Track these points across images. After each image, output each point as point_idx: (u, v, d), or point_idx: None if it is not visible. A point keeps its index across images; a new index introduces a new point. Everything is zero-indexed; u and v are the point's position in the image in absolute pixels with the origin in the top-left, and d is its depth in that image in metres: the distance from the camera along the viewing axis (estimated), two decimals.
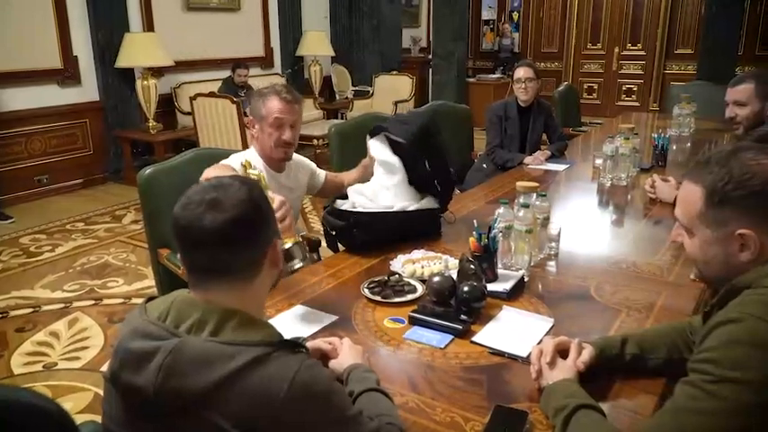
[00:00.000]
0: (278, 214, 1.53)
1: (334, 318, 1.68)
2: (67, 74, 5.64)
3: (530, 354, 1.38)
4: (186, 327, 0.99)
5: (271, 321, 1.66)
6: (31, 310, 3.47)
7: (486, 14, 9.96)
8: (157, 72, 6.03)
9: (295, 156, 2.41)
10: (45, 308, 3.50)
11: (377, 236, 2.15)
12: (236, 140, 5.23)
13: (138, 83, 5.83)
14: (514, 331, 1.60)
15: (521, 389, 1.35)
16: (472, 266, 1.72)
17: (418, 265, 1.96)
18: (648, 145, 3.71)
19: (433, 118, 2.50)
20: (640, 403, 1.29)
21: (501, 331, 1.60)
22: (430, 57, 8.78)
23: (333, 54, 7.97)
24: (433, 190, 2.32)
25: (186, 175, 2.19)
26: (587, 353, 1.34)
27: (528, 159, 3.52)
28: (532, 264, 2.01)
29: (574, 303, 1.77)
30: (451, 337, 1.57)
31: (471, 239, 1.85)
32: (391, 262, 2.03)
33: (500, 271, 1.89)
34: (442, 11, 7.87)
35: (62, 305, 3.51)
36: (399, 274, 1.91)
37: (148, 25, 6.15)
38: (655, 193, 2.73)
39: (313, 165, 2.60)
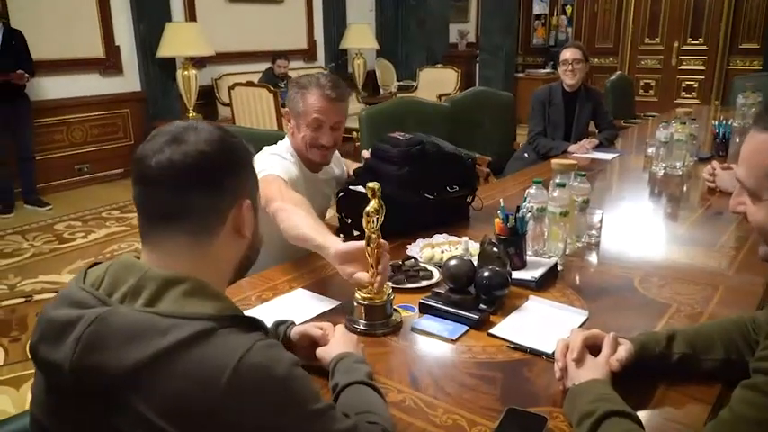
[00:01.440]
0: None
1: (335, 303, 1.49)
2: (109, 63, 5.66)
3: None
4: (120, 294, 0.82)
5: (267, 305, 1.51)
6: (54, 294, 3.41)
7: (538, 9, 9.61)
8: (199, 63, 6.00)
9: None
10: None
11: (395, 222, 1.93)
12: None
13: (179, 73, 5.80)
14: (540, 324, 1.38)
15: (542, 390, 1.13)
16: (495, 249, 1.51)
17: (437, 250, 1.75)
18: (708, 134, 3.39)
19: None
20: (689, 412, 1.06)
21: (524, 324, 1.38)
22: (477, 52, 8.52)
23: (377, 48, 7.81)
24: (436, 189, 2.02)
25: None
26: (624, 349, 1.10)
27: (573, 147, 3.25)
28: (568, 252, 1.77)
29: (614, 296, 1.54)
30: (466, 327, 1.36)
31: (497, 221, 1.63)
32: (409, 246, 1.83)
33: (529, 258, 1.67)
34: (491, 4, 7.61)
35: None
36: (415, 259, 1.70)
37: (191, 16, 6.14)
38: (714, 182, 2.44)
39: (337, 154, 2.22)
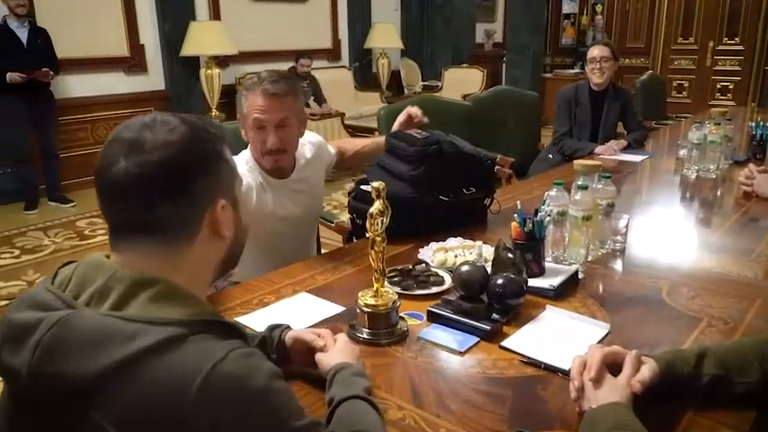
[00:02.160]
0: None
1: (340, 309, 1.41)
2: (134, 62, 5.67)
3: None
4: (87, 296, 0.75)
5: (268, 309, 1.43)
6: None
7: (567, 8, 9.42)
8: (222, 62, 5.99)
9: (307, 142, 1.95)
10: None
11: (408, 223, 1.83)
12: None
13: (203, 72, 5.80)
14: (558, 337, 1.27)
15: (556, 411, 1.03)
16: (510, 255, 1.41)
17: (450, 254, 1.66)
18: (745, 136, 3.23)
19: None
20: None
21: (540, 336, 1.28)
22: (504, 51, 8.38)
23: (402, 47, 7.72)
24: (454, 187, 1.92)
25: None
26: (648, 369, 1.00)
27: (599, 149, 3.12)
28: (590, 259, 1.66)
29: (639, 307, 1.42)
30: (476, 339, 1.26)
31: (513, 224, 1.53)
32: (421, 250, 1.74)
33: (548, 264, 1.56)
34: (519, 3, 7.47)
35: None
36: (426, 263, 1.61)
37: (215, 15, 6.12)
38: (752, 187, 2.29)
39: (322, 142, 2.07)
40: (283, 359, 1.12)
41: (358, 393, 0.96)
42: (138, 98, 5.73)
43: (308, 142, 1.97)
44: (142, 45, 5.69)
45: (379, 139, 2.16)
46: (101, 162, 0.77)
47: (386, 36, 7.39)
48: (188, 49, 5.65)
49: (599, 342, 1.23)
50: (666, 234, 2.02)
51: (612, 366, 1.02)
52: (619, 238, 1.77)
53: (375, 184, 1.24)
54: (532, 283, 1.46)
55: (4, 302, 3.18)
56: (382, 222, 1.24)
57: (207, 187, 0.81)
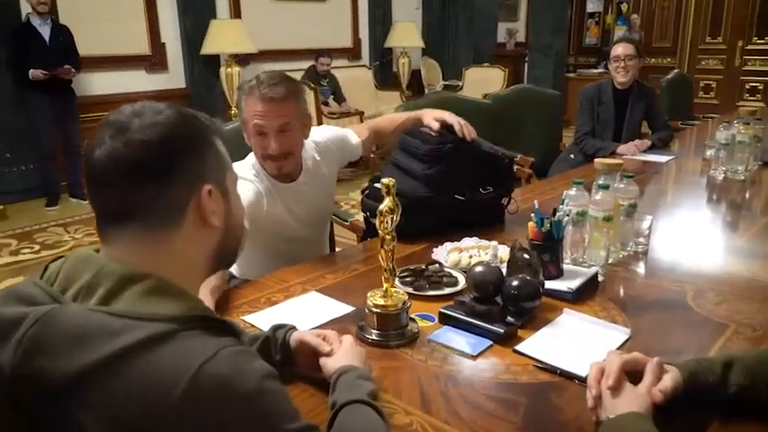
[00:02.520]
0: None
1: (349, 309, 1.37)
2: (155, 60, 5.70)
3: None
4: (74, 291, 0.72)
5: (275, 308, 1.40)
6: None
7: (592, 7, 9.30)
8: (243, 60, 6.00)
9: (314, 141, 1.87)
10: None
11: (421, 222, 1.79)
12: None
13: (223, 70, 5.80)
14: (575, 342, 1.22)
15: (572, 420, 0.98)
16: (526, 256, 1.36)
17: (465, 255, 1.61)
18: None
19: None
20: None
21: (556, 341, 1.22)
22: (526, 51, 8.28)
23: (423, 46, 7.67)
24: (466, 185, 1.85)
25: (230, 145, 1.97)
26: (671, 378, 0.94)
27: (622, 148, 3.04)
28: (611, 261, 1.60)
29: (662, 312, 1.36)
30: (489, 342, 1.21)
31: (530, 224, 1.48)
32: (435, 249, 1.69)
33: (566, 266, 1.51)
34: (542, 1, 7.37)
35: None
36: (440, 264, 1.56)
37: (236, 13, 6.13)
38: None
39: (341, 133, 1.99)
40: (287, 361, 1.08)
41: (361, 398, 0.92)
42: (158, 96, 5.74)
43: (315, 140, 1.89)
44: (163, 43, 5.72)
45: (418, 113, 2.03)
46: (88, 147, 0.76)
47: (407, 35, 7.35)
48: (208, 48, 5.66)
49: (618, 348, 1.18)
50: (692, 237, 1.94)
51: (632, 374, 0.96)
52: (641, 240, 1.71)
53: (385, 180, 1.19)
54: (550, 285, 1.41)
55: None
56: (392, 220, 1.20)
57: (192, 170, 0.77)
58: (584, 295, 1.41)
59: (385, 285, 1.24)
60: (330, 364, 1.04)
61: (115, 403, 0.64)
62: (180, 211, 0.77)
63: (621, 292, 1.48)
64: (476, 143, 1.87)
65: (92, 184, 0.75)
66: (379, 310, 1.23)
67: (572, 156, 3.31)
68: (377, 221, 1.20)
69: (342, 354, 1.05)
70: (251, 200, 1.64)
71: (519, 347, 1.19)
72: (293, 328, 1.12)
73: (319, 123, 5.05)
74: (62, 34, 4.69)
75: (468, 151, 1.84)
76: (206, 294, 1.31)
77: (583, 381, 1.04)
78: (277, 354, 1.08)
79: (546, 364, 1.13)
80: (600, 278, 1.49)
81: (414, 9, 7.99)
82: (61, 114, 4.76)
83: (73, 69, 4.68)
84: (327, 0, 6.94)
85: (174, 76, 5.87)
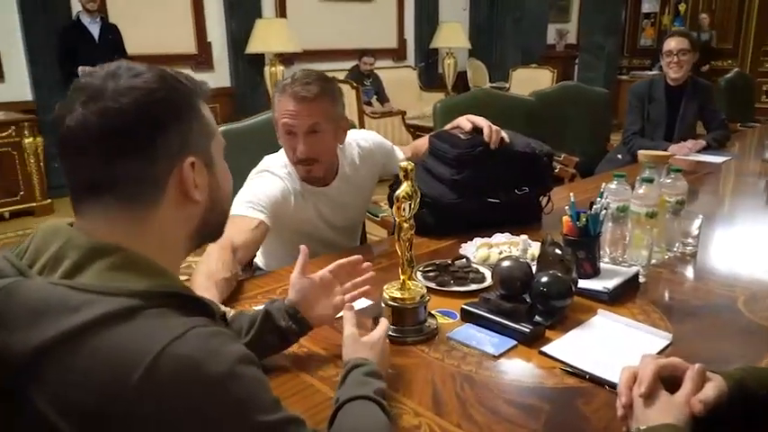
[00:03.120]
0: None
1: (367, 303, 1.29)
2: (201, 59, 5.76)
3: None
4: (41, 264, 0.67)
5: None
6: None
7: (648, 7, 8.99)
8: (287, 60, 6.01)
9: (358, 145, 1.78)
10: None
11: (451, 226, 1.70)
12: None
13: (267, 69, 5.82)
14: (608, 346, 1.11)
15: (600, 430, 0.88)
16: (558, 251, 1.25)
17: (495, 250, 1.51)
18: None
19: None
20: None
21: (588, 343, 1.12)
22: (577, 53, 8.06)
23: (469, 47, 7.55)
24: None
25: (259, 137, 1.92)
26: (714, 387, 0.83)
27: (673, 148, 2.87)
28: (654, 262, 1.48)
29: (709, 318, 1.24)
30: (514, 342, 1.12)
31: (564, 218, 1.38)
32: (463, 244, 1.60)
33: (604, 265, 1.40)
34: (594, 1, 7.16)
35: None
36: (467, 259, 1.47)
37: (281, 12, 6.15)
38: None
39: (388, 145, 1.89)
40: (298, 322, 1.04)
41: (366, 394, 0.85)
42: None
43: (359, 144, 1.79)
44: (209, 42, 5.78)
45: (453, 123, 1.91)
46: (58, 111, 0.68)
47: (453, 36, 7.24)
48: (253, 47, 5.69)
49: (657, 354, 1.06)
50: (746, 240, 1.79)
51: (670, 381, 0.85)
52: (690, 240, 1.58)
53: (403, 164, 1.12)
54: (584, 284, 1.30)
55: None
56: (410, 207, 1.12)
57: (174, 141, 0.70)
58: (621, 297, 1.30)
59: (402, 277, 1.16)
60: (346, 351, 0.97)
61: (69, 385, 0.58)
62: (159, 185, 0.70)
63: (664, 294, 1.36)
64: (509, 144, 1.75)
65: (63, 152, 0.69)
66: (395, 304, 1.15)
67: (619, 156, 3.15)
68: (393, 208, 1.12)
69: (362, 344, 0.97)
70: (276, 197, 1.58)
71: (545, 349, 1.09)
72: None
73: (360, 123, 5.01)
74: (111, 32, 4.78)
75: (502, 153, 1.72)
76: (210, 286, 1.25)
77: (614, 387, 0.93)
78: (282, 320, 1.03)
79: (574, 367, 1.03)
80: (641, 279, 1.38)
81: (461, 10, 7.87)
82: None
83: None
84: (373, 0, 6.91)
85: (220, 75, 5.92)
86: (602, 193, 1.38)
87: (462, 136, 1.71)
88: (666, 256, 1.53)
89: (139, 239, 0.69)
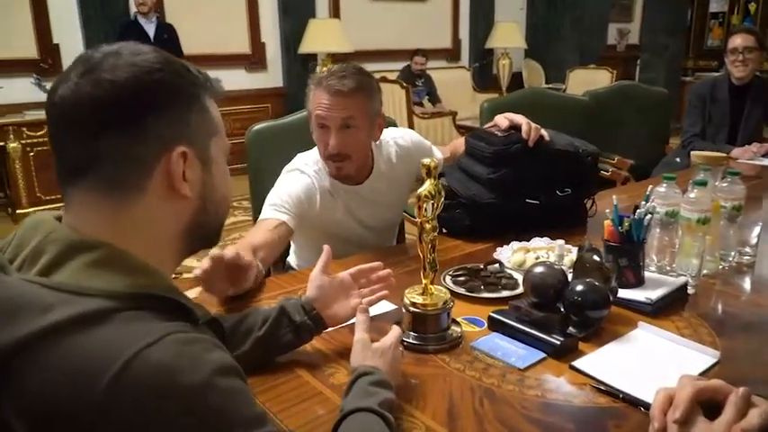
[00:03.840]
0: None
1: (391, 307, 1.23)
2: (255, 59, 5.83)
3: None
4: (20, 259, 0.64)
5: None
6: (172, 276, 3.49)
7: (716, 6, 8.59)
8: (339, 60, 6.01)
9: (395, 143, 1.72)
10: (186, 276, 3.50)
11: (488, 227, 1.62)
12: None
13: (319, 69, 5.84)
14: (648, 362, 1.02)
15: None
16: (596, 258, 1.17)
17: (531, 255, 1.43)
18: None
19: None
20: None
21: (625, 359, 1.03)
22: (639, 53, 7.77)
23: (525, 47, 7.38)
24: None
25: (296, 136, 1.90)
26: (759, 414, 0.73)
27: (736, 152, 2.69)
28: (706, 272, 1.36)
29: (763, 334, 1.13)
30: (542, 355, 1.04)
31: (606, 223, 1.28)
32: (499, 248, 1.52)
33: (649, 274, 1.29)
34: (659, 0, 6.88)
35: None
36: (501, 263, 1.40)
37: (335, 13, 6.17)
38: None
39: (426, 144, 1.82)
40: (312, 318, 1.02)
41: (369, 406, 0.79)
42: (256, 95, 5.89)
43: (397, 143, 1.73)
44: (263, 43, 5.84)
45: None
46: (53, 84, 0.66)
47: (509, 36, 7.09)
48: (306, 47, 5.73)
49: (702, 374, 0.97)
50: None
51: (710, 406, 0.76)
52: (747, 249, 1.45)
53: (426, 161, 1.05)
54: (625, 294, 1.21)
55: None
56: (434, 206, 1.05)
57: (166, 125, 0.67)
58: (667, 309, 1.20)
59: (424, 282, 1.10)
60: (354, 358, 0.92)
61: (35, 391, 0.55)
62: (145, 171, 0.67)
63: (715, 308, 1.25)
64: (549, 142, 1.66)
65: (52, 127, 0.67)
66: (417, 310, 1.09)
67: (678, 159, 2.98)
68: (415, 208, 1.06)
69: (371, 352, 0.92)
70: (300, 197, 1.55)
71: (577, 363, 1.01)
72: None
73: (410, 123, 4.96)
74: (166, 32, 4.88)
75: (541, 151, 1.63)
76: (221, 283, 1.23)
77: (649, 409, 0.85)
78: (298, 314, 1.01)
79: (607, 385, 0.95)
80: (690, 290, 1.27)
81: (518, 9, 7.71)
82: None
83: None
84: (427, 0, 6.84)
85: (273, 75, 5.98)
86: (648, 196, 1.28)
87: (499, 133, 1.63)
88: (720, 266, 1.41)
89: (123, 232, 0.66)
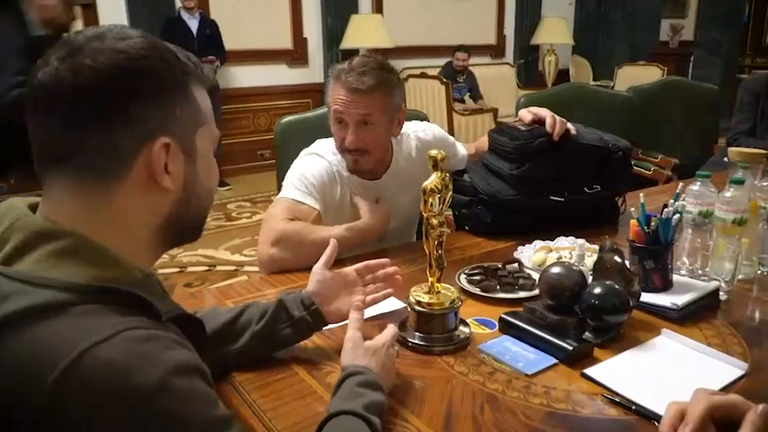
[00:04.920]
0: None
1: (399, 305, 1.19)
2: (296, 55, 5.85)
3: None
4: None
5: None
6: (206, 268, 3.54)
7: None
8: (381, 56, 5.98)
9: (416, 137, 1.68)
10: (219, 268, 3.54)
11: (511, 224, 1.56)
12: (443, 124, 4.88)
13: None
14: (668, 373, 0.95)
15: None
16: (617, 259, 1.09)
17: (553, 255, 1.36)
18: None
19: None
20: None
21: (643, 368, 0.96)
22: (692, 50, 7.48)
23: (572, 43, 7.19)
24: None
25: (324, 129, 1.88)
26: None
27: None
28: (741, 277, 1.27)
29: None
30: (553, 361, 0.98)
31: (632, 222, 1.21)
32: (521, 247, 1.45)
33: (678, 278, 1.21)
34: None
35: (234, 268, 3.53)
36: (520, 263, 1.33)
37: (377, 8, 6.14)
38: None
39: (450, 140, 1.78)
40: (311, 313, 0.99)
41: (353, 409, 0.75)
42: (297, 90, 5.91)
43: (418, 137, 1.68)
44: (305, 38, 5.86)
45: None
46: (35, 67, 0.64)
47: (555, 31, 6.92)
48: (348, 42, 5.71)
49: (726, 387, 0.89)
50: None
51: (727, 423, 0.69)
52: None
53: (432, 152, 1.01)
54: (650, 298, 1.13)
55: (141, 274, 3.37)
56: (440, 201, 1.00)
57: (150, 116, 0.64)
58: (695, 316, 1.12)
59: (430, 280, 1.05)
60: (344, 357, 0.88)
61: None
62: (124, 160, 0.64)
63: (749, 316, 1.16)
64: (576, 136, 1.58)
65: (31, 112, 0.64)
66: (422, 309, 1.05)
67: (726, 159, 2.82)
68: (421, 202, 1.01)
69: (362, 351, 0.88)
70: (324, 179, 1.52)
71: (589, 371, 0.94)
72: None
73: (449, 119, 4.89)
74: (209, 28, 4.94)
75: (567, 146, 1.55)
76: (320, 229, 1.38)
77: None
78: (297, 309, 0.98)
79: (619, 395, 0.88)
80: (722, 296, 1.18)
81: (566, 4, 7.52)
82: None
83: (218, 61, 4.92)
84: None
85: (314, 71, 5.99)
86: (678, 194, 1.20)
87: (522, 127, 1.56)
88: (759, 271, 1.31)
89: (99, 222, 0.64)
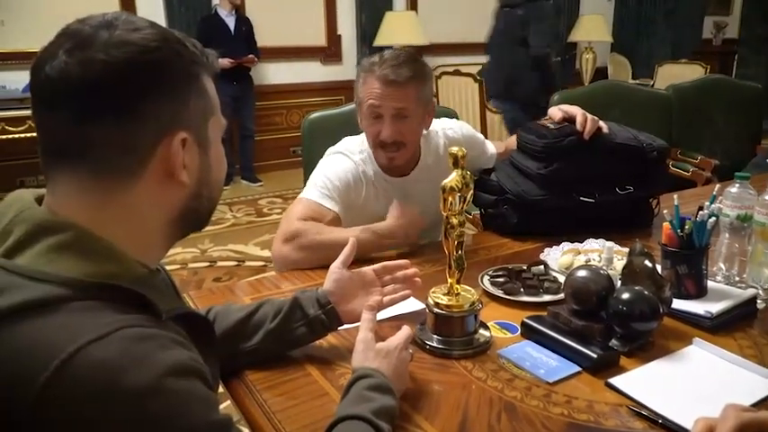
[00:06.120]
0: None
1: (419, 307, 1.15)
2: (330, 52, 5.85)
3: None
4: None
5: None
6: (235, 263, 3.56)
7: None
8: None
9: (444, 134, 1.65)
10: (248, 263, 3.56)
11: (539, 225, 1.52)
12: (476, 122, 4.82)
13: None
14: (698, 385, 0.90)
15: None
16: (648, 263, 1.04)
17: (581, 257, 1.31)
18: None
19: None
20: None
21: (672, 379, 0.91)
22: (736, 48, 7.24)
23: (611, 41, 7.03)
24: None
25: (351, 125, 1.87)
26: None
27: None
28: None
29: None
30: (577, 369, 0.94)
31: (665, 225, 1.15)
32: (548, 249, 1.41)
33: (714, 284, 1.16)
34: None
35: (262, 263, 3.54)
36: (546, 265, 1.29)
37: (412, 5, 6.10)
38: None
39: (479, 138, 1.75)
40: (327, 313, 0.96)
41: (361, 413, 0.72)
42: (331, 87, 5.91)
43: (446, 134, 1.65)
44: (339, 35, 5.85)
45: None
46: (37, 57, 0.61)
47: (594, 29, 6.76)
48: (381, 40, 5.68)
49: (759, 402, 0.84)
50: None
51: None
52: None
53: (453, 149, 0.97)
54: (682, 305, 1.08)
55: (176, 267, 3.41)
56: (460, 200, 0.97)
57: (165, 110, 0.62)
58: (730, 325, 1.06)
59: (449, 281, 1.02)
60: (355, 359, 0.85)
61: None
62: (140, 158, 0.62)
63: None
64: (609, 135, 1.52)
65: (37, 105, 0.62)
66: (440, 311, 1.01)
67: None
68: (440, 201, 0.98)
69: (374, 353, 0.85)
70: (349, 183, 1.50)
71: (614, 380, 0.90)
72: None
73: (482, 117, 4.82)
74: (244, 25, 4.98)
75: (599, 145, 1.49)
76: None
77: None
78: (312, 308, 0.95)
79: (645, 407, 0.83)
80: (759, 304, 1.12)
81: (605, 1, 7.35)
82: (238, 100, 5.05)
83: (256, 59, 4.96)
84: None
85: (347, 68, 5.97)
86: (714, 196, 1.14)
87: (551, 126, 1.51)
88: None
89: (107, 217, 0.62)
